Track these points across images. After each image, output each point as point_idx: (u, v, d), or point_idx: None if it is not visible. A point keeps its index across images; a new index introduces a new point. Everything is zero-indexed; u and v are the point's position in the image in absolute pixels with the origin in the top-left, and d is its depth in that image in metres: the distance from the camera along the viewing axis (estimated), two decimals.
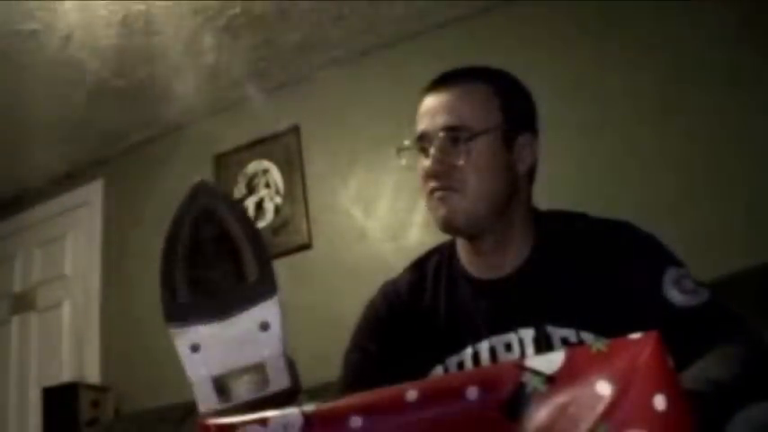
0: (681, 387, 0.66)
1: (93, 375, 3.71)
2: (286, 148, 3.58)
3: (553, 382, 0.68)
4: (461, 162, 1.25)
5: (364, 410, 0.69)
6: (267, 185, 3.58)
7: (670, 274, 1.15)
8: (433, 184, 1.28)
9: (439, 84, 1.34)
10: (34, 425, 3.67)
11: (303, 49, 3.41)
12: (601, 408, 0.66)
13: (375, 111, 3.38)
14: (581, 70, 2.97)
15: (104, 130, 3.90)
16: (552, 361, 0.68)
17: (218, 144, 3.78)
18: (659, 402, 0.65)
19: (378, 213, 3.27)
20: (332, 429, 0.70)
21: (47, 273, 4.17)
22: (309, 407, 0.71)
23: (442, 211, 1.28)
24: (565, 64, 3.00)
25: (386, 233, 3.22)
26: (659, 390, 0.65)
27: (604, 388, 0.66)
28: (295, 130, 3.58)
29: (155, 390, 3.36)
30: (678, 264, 1.19)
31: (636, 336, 0.68)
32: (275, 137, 3.62)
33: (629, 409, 0.65)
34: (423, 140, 1.31)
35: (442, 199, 1.27)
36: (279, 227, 3.48)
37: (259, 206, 3.57)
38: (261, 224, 3.52)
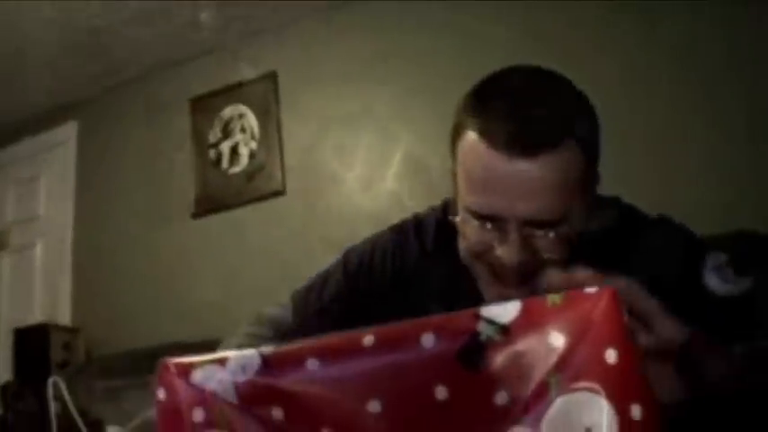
0: (633, 342, 0.67)
1: (64, 316, 3.72)
2: (263, 93, 3.55)
3: (508, 331, 0.68)
4: (550, 255, 1.03)
5: (321, 354, 0.70)
6: (242, 130, 3.56)
7: (711, 262, 1.04)
8: (514, 278, 1.05)
9: (518, 147, 0.99)
10: (4, 366, 3.67)
11: None
12: (553, 359, 0.67)
13: (353, 60, 3.36)
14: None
15: (79, 72, 3.86)
16: (508, 311, 0.69)
17: (195, 88, 3.74)
18: (610, 356, 0.65)
19: (352, 162, 3.26)
20: (289, 371, 0.70)
21: (20, 213, 4.15)
22: (268, 348, 0.72)
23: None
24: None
25: (360, 182, 3.22)
26: (611, 343, 0.66)
27: (557, 339, 0.67)
28: (272, 76, 3.56)
29: (125, 332, 3.38)
30: (716, 251, 1.06)
31: (592, 289, 0.69)
32: (252, 82, 3.60)
33: (581, 361, 0.66)
34: (491, 219, 1.03)
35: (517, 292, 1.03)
36: (253, 172, 3.47)
37: (234, 151, 3.55)
38: (235, 169, 3.51)
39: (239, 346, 1.15)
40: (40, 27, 3.40)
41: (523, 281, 1.03)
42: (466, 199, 1.06)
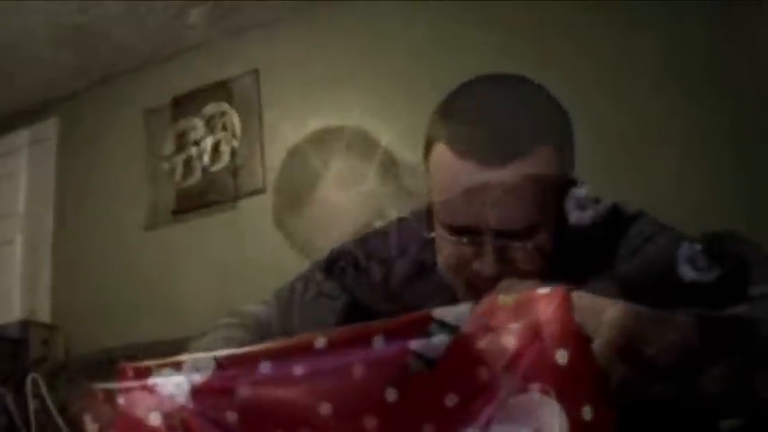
0: (585, 343, 0.68)
1: (43, 313, 3.70)
2: (245, 91, 3.54)
3: (459, 333, 0.69)
4: (528, 266, 1.01)
5: (274, 356, 0.71)
6: (224, 128, 3.55)
7: (683, 252, 1.05)
8: (491, 291, 0.96)
9: (487, 156, 0.97)
10: None
11: None
12: (505, 359, 0.67)
13: (335, 58, 3.36)
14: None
15: (61, 68, 3.83)
16: (460, 312, 0.70)
17: (177, 85, 3.73)
18: (562, 357, 0.66)
19: (334, 161, 3.26)
20: (243, 373, 0.71)
21: (0, 209, 4.12)
22: (222, 352, 0.72)
23: None
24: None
25: (341, 181, 3.22)
26: (562, 345, 0.66)
27: (509, 340, 0.68)
28: (254, 73, 3.55)
29: (104, 329, 3.37)
30: (690, 241, 1.09)
31: (543, 291, 0.69)
32: (234, 79, 3.59)
33: (532, 362, 0.67)
34: (465, 233, 1.02)
35: None
36: (235, 170, 3.47)
37: (216, 148, 3.54)
38: (217, 167, 3.51)
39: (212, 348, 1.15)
40: (24, 22, 3.38)
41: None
42: (439, 212, 1.04)
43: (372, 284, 1.25)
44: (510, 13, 2.99)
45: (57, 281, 3.78)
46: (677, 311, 0.80)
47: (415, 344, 0.68)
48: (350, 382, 0.68)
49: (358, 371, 0.68)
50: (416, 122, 3.33)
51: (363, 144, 3.18)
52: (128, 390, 0.74)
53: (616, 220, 1.12)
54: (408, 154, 2.90)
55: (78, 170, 3.91)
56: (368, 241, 1.31)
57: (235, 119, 3.54)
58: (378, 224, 1.34)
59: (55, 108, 4.09)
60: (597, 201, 1.17)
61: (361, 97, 3.27)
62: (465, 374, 0.68)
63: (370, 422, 0.69)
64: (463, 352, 0.68)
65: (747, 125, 2.57)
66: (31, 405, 2.80)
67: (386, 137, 3.14)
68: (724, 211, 2.46)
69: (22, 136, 4.15)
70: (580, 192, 1.11)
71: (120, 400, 0.74)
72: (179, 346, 0.90)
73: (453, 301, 0.91)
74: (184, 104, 3.68)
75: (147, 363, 0.75)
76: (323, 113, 3.32)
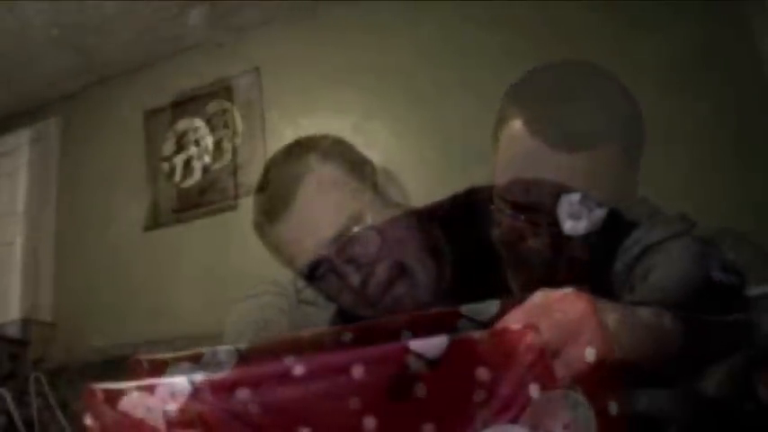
0: (609, 340, 0.67)
1: (44, 312, 3.70)
2: (246, 89, 3.55)
3: (486, 328, 0.68)
4: (579, 254, 1.03)
5: (298, 349, 0.69)
6: (226, 126, 3.55)
7: (714, 258, 1.03)
8: (541, 270, 1.06)
9: (562, 139, 0.98)
10: None
11: None
12: (529, 358, 0.67)
13: (336, 56, 3.36)
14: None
15: (61, 68, 3.83)
16: (489, 307, 0.69)
17: (178, 84, 3.73)
18: (590, 354, 0.66)
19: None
20: (267, 364, 0.69)
21: (1, 208, 4.11)
22: (244, 345, 0.71)
23: None
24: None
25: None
26: (590, 342, 0.66)
27: (533, 338, 0.67)
28: (255, 71, 3.55)
29: (103, 329, 3.36)
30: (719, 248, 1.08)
31: (566, 290, 0.69)
32: (235, 78, 3.59)
33: (560, 359, 0.66)
34: (524, 210, 1.03)
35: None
36: (237, 168, 3.46)
37: (217, 146, 3.54)
38: (219, 165, 3.50)
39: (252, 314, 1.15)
40: (24, 22, 3.37)
41: (550, 275, 1.02)
42: (503, 185, 1.05)
43: (351, 290, 1.22)
44: (513, 14, 2.99)
45: (57, 280, 3.78)
46: (680, 316, 0.79)
47: (414, 343, 0.67)
48: (349, 382, 0.67)
49: (358, 371, 0.67)
50: (416, 122, 3.31)
51: (362, 143, 3.18)
52: (131, 389, 0.72)
53: (614, 228, 1.09)
54: (407, 154, 2.90)
55: (79, 170, 3.91)
56: (347, 246, 1.28)
57: (236, 117, 3.54)
58: (356, 229, 1.30)
59: (55, 108, 4.09)
60: (592, 207, 1.15)
61: (361, 96, 3.26)
62: (467, 375, 0.67)
63: (369, 422, 0.67)
64: (466, 352, 0.67)
65: (753, 124, 2.57)
66: (34, 403, 2.79)
67: (385, 137, 3.12)
68: (731, 210, 2.46)
69: (22, 136, 4.14)
70: (573, 198, 1.06)
71: (123, 400, 0.72)
72: (180, 344, 0.88)
73: (437, 305, 0.88)
74: (184, 104, 3.68)
75: (163, 356, 0.73)
76: (324, 112, 3.32)
